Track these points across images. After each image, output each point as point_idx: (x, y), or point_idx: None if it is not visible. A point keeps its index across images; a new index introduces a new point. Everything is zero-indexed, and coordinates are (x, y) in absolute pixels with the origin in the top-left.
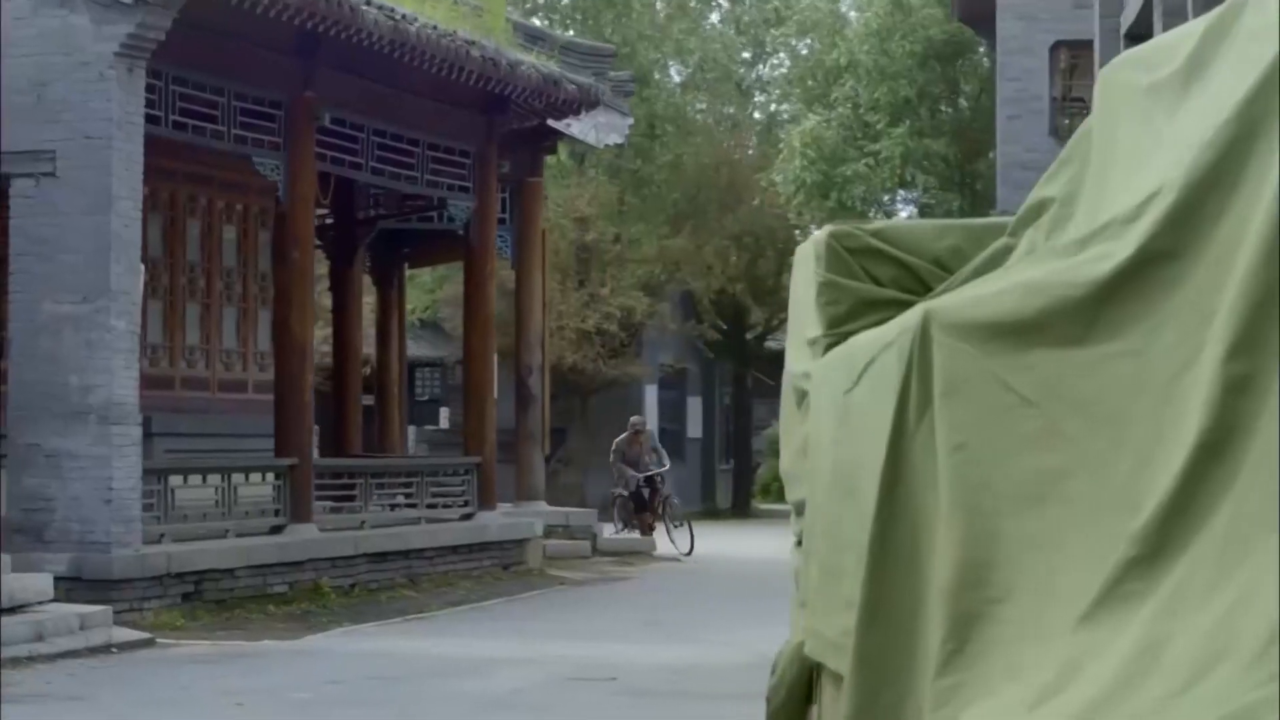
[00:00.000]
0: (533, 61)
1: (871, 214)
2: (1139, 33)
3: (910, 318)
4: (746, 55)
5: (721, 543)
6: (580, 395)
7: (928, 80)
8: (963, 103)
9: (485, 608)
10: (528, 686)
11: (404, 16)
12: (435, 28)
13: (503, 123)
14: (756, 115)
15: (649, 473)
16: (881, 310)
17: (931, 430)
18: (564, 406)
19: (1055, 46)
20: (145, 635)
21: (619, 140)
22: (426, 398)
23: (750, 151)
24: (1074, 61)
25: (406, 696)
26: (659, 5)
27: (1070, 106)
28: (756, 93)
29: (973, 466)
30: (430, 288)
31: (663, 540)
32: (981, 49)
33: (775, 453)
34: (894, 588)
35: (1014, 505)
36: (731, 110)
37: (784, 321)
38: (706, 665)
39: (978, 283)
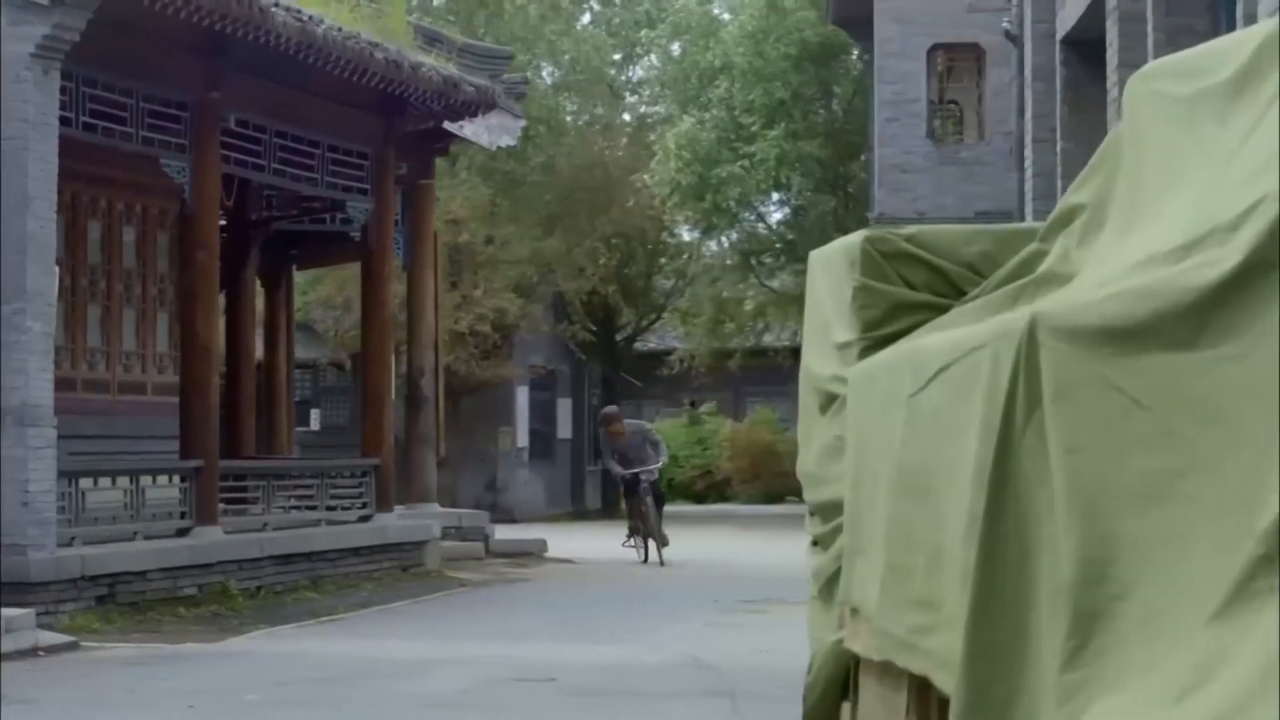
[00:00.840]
0: (433, 64)
1: (746, 217)
2: (1082, 36)
3: (1010, 322)
4: (617, 56)
5: (597, 545)
6: (452, 397)
7: (802, 82)
8: (835, 105)
9: (393, 609)
10: (474, 687)
11: (310, 18)
12: (340, 30)
13: (400, 124)
14: (626, 116)
15: (633, 471)
16: (915, 314)
17: (1040, 433)
18: None
19: (933, 50)
20: (69, 638)
21: (511, 142)
22: (298, 399)
23: (620, 153)
24: (950, 64)
25: (355, 698)
26: (531, 7)
27: (946, 109)
28: (627, 94)
29: (1087, 468)
30: (302, 289)
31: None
32: (855, 52)
33: None
34: (1004, 585)
35: (1130, 505)
36: (602, 111)
37: (654, 323)
38: (638, 665)
39: (1083, 288)
